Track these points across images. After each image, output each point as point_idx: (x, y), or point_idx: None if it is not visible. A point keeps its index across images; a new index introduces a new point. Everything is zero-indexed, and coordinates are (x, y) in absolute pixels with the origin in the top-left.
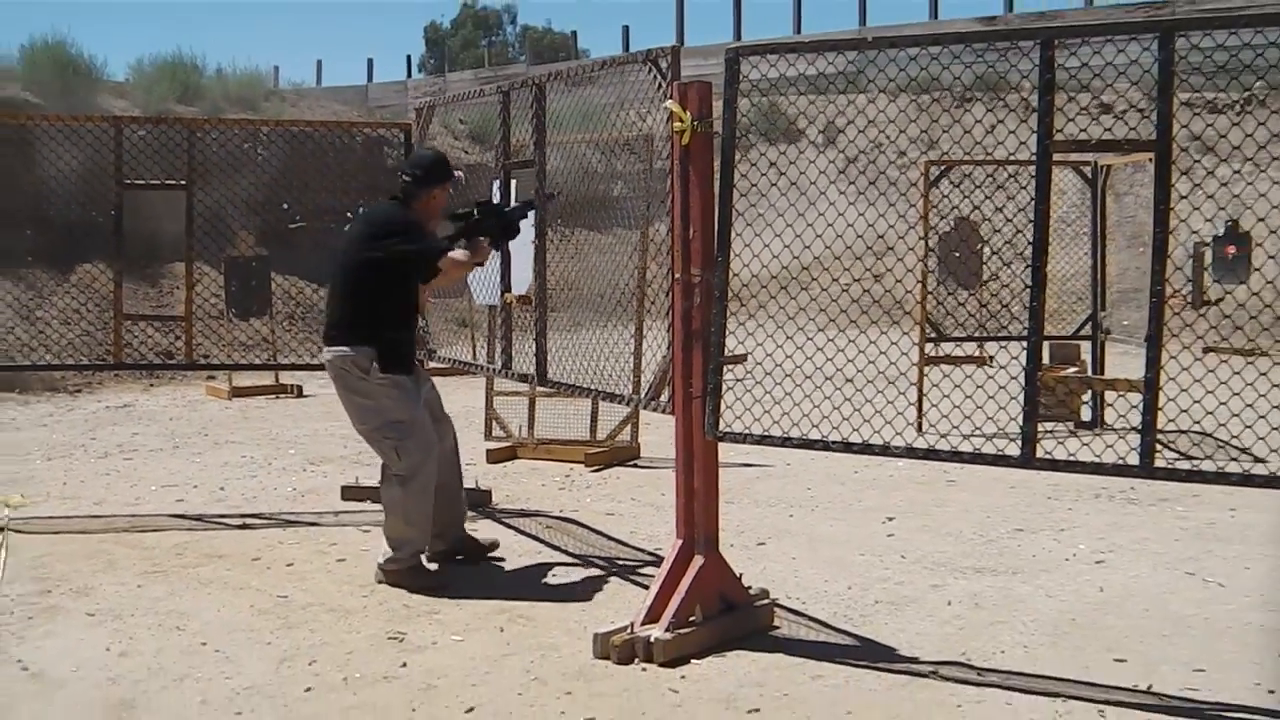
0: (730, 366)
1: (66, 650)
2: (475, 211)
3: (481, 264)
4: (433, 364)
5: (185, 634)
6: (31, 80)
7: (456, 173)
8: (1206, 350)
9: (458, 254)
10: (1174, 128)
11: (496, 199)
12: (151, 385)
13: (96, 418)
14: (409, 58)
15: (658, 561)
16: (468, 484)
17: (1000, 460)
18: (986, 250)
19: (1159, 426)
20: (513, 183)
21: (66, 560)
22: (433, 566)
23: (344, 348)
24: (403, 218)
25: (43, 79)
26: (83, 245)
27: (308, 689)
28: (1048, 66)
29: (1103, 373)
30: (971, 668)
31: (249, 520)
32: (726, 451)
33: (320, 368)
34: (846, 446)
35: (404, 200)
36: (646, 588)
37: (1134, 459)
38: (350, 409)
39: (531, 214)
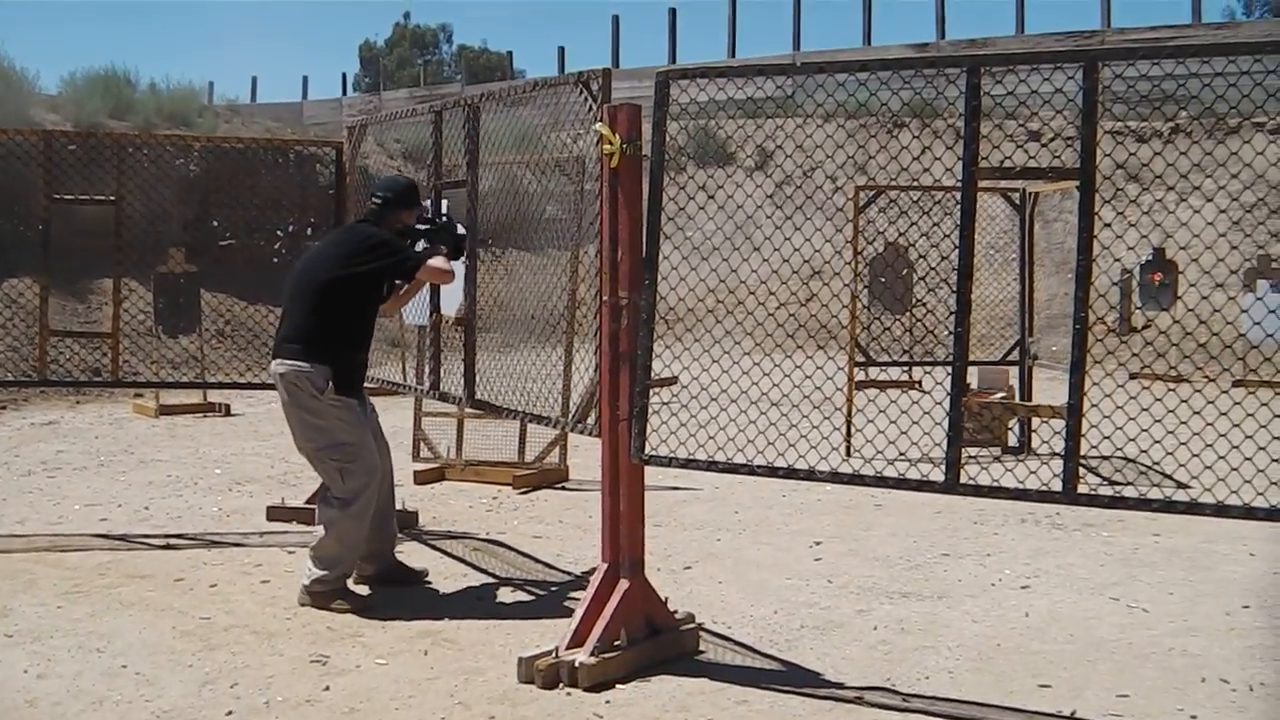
0: (658, 389)
1: None
2: (431, 224)
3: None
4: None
5: (106, 655)
6: None
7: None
8: (1131, 376)
9: (439, 262)
10: (1098, 156)
11: (444, 215)
12: (78, 402)
13: (20, 435)
14: (344, 75)
15: (584, 584)
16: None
17: (925, 486)
18: (916, 275)
19: (1083, 452)
20: (444, 203)
21: None
22: (360, 589)
23: (301, 363)
24: (381, 235)
25: None
26: (9, 259)
27: (229, 712)
28: (974, 94)
29: (1030, 398)
30: (897, 693)
31: (173, 540)
32: (654, 474)
33: (248, 386)
34: (772, 471)
35: (374, 222)
36: (573, 611)
37: (1057, 485)
38: (297, 426)
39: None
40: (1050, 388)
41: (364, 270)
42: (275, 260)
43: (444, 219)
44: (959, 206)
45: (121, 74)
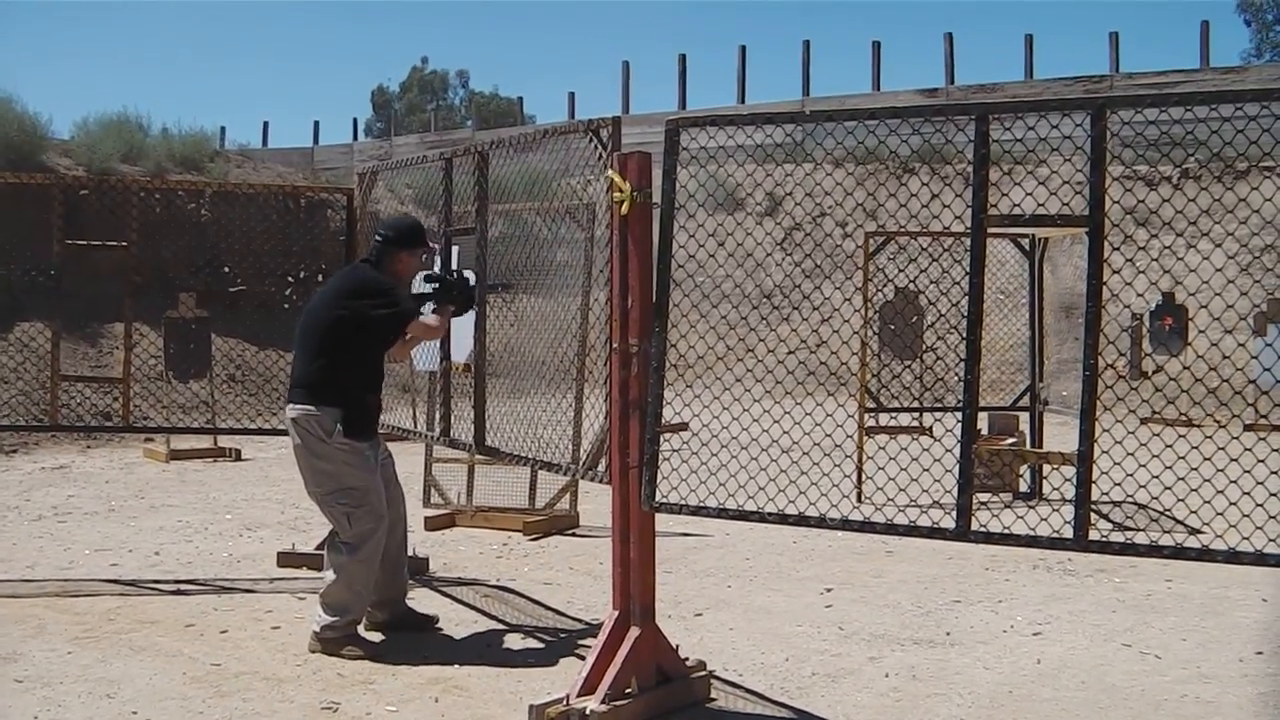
0: (668, 436)
1: None
2: (441, 282)
3: (445, 332)
4: None
5: (115, 701)
6: None
7: (432, 244)
8: (1142, 421)
9: (429, 319)
10: (1107, 202)
11: (454, 267)
12: (88, 447)
13: (31, 479)
14: (355, 120)
15: (594, 632)
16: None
17: (936, 533)
18: (925, 321)
19: (1094, 498)
20: (454, 249)
21: None
22: (370, 636)
23: (309, 406)
24: (377, 280)
25: None
26: (22, 303)
27: None
28: (983, 141)
29: (1041, 444)
30: None
31: (183, 586)
32: (665, 520)
33: (258, 432)
34: (783, 518)
35: (375, 261)
36: (583, 658)
37: (1069, 531)
38: (305, 470)
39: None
40: (1061, 432)
41: (359, 312)
42: (286, 306)
43: (454, 274)
44: (969, 253)
45: (134, 119)
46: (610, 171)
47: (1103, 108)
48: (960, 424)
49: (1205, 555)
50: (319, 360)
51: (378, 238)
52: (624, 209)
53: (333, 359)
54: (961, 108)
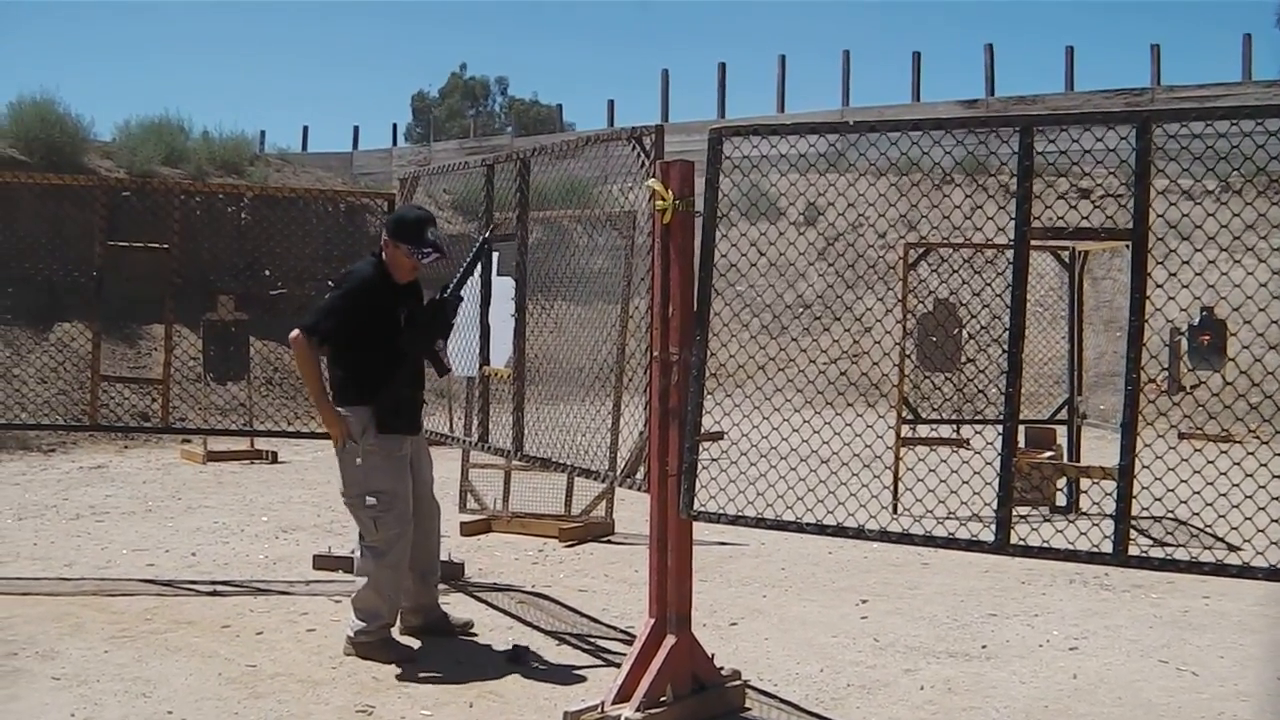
0: (706, 445)
1: (30, 715)
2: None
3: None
4: None
5: (151, 701)
6: (18, 138)
7: (432, 240)
8: (1181, 437)
9: (304, 345)
10: (1150, 216)
11: (451, 286)
12: (126, 447)
13: (70, 478)
14: (395, 126)
15: (629, 639)
16: (440, 556)
17: (974, 546)
18: (965, 333)
19: (1133, 513)
20: (494, 255)
21: (33, 622)
22: (406, 640)
23: (339, 409)
24: (349, 280)
25: (30, 137)
26: (63, 304)
27: None
28: (1027, 154)
29: (1078, 457)
30: None
31: (219, 587)
32: (701, 529)
33: (295, 434)
34: (821, 528)
35: (377, 252)
36: (618, 666)
37: (1108, 546)
38: (340, 471)
39: (513, 288)
40: (1098, 446)
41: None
42: None
43: (444, 294)
44: (1010, 266)
45: (175, 122)
46: (653, 180)
47: (1148, 121)
48: (1000, 437)
49: (1245, 572)
50: (338, 361)
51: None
52: (666, 218)
53: (347, 359)
54: (1005, 119)
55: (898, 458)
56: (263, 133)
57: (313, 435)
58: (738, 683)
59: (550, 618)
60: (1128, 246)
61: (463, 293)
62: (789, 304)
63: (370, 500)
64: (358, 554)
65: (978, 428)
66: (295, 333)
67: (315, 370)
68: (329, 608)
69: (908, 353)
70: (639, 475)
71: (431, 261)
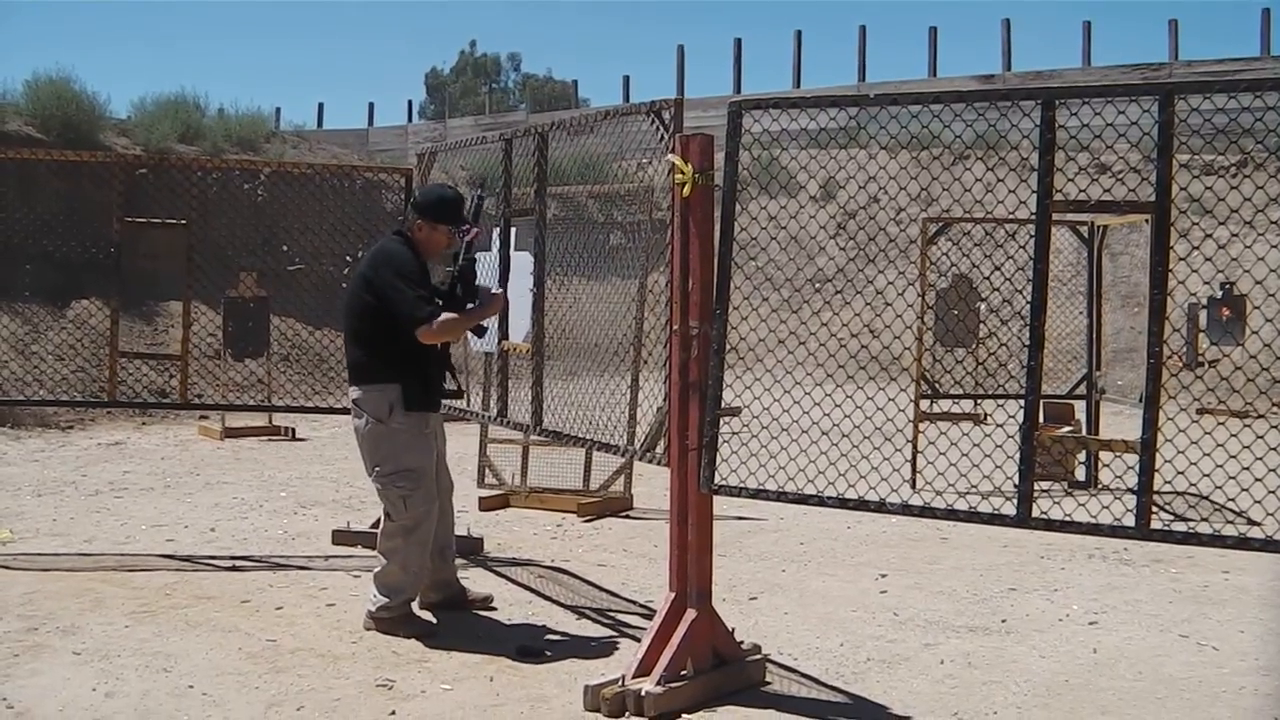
0: (726, 419)
1: (52, 689)
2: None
3: (485, 318)
4: None
5: (172, 675)
6: (35, 116)
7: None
8: (1201, 412)
9: (446, 317)
10: (1172, 190)
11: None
12: (144, 424)
13: (88, 455)
14: (410, 102)
15: (649, 614)
16: (459, 531)
17: (996, 519)
18: (983, 308)
19: (1154, 488)
20: (513, 230)
21: (54, 598)
22: (425, 615)
23: (364, 387)
24: (397, 264)
25: (46, 114)
26: (80, 280)
27: None
28: (1048, 127)
29: (1097, 432)
30: None
31: (239, 562)
32: (720, 504)
33: (314, 410)
34: (842, 502)
35: (405, 232)
36: (638, 640)
37: (1129, 520)
38: (366, 452)
39: (530, 263)
40: (1115, 422)
41: (380, 296)
42: (343, 285)
43: (461, 265)
44: (1030, 239)
45: (191, 99)
46: (672, 154)
47: (1170, 94)
48: (1021, 410)
49: (1269, 545)
50: (361, 341)
51: (411, 202)
52: (686, 191)
53: (374, 339)
54: (1028, 92)
55: (916, 432)
56: (278, 110)
57: (330, 410)
58: (758, 657)
59: (570, 592)
60: (1148, 221)
61: (472, 255)
62: (810, 278)
63: (400, 479)
64: (381, 532)
65: (997, 403)
66: (422, 330)
67: (456, 325)
68: (348, 583)
69: (926, 327)
70: (659, 449)
71: (470, 238)
